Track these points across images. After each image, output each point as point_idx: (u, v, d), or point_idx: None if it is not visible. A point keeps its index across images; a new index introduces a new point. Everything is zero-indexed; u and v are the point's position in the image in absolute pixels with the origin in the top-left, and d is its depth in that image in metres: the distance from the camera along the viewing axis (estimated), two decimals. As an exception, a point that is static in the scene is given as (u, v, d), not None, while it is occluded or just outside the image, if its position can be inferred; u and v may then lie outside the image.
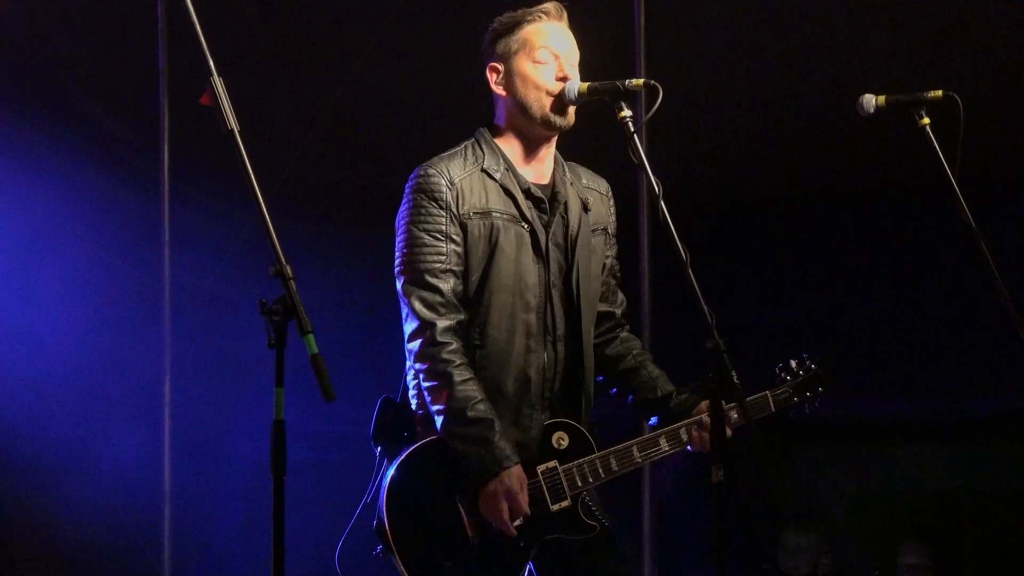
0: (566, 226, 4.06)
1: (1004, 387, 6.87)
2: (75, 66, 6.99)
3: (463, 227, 3.91)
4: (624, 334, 4.26)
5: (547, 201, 4.04)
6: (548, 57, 4.00)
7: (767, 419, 4.16)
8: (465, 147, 4.02)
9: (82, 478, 6.95)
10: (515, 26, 4.03)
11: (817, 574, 7.15)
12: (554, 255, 4.02)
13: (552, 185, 4.07)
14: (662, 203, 3.92)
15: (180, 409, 6.82)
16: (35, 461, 6.88)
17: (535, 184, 4.03)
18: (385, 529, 3.81)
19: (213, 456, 7.09)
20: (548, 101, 3.98)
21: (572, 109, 4.01)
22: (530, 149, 4.05)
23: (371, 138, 7.03)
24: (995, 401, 7.08)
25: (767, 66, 6.73)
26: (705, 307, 3.83)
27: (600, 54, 4.39)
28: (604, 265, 4.17)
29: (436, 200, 3.90)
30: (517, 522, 3.85)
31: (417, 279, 3.88)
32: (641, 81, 3.99)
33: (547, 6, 4.05)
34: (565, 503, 3.93)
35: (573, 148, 4.27)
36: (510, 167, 4.00)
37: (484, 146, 4.01)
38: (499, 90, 4.03)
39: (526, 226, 3.99)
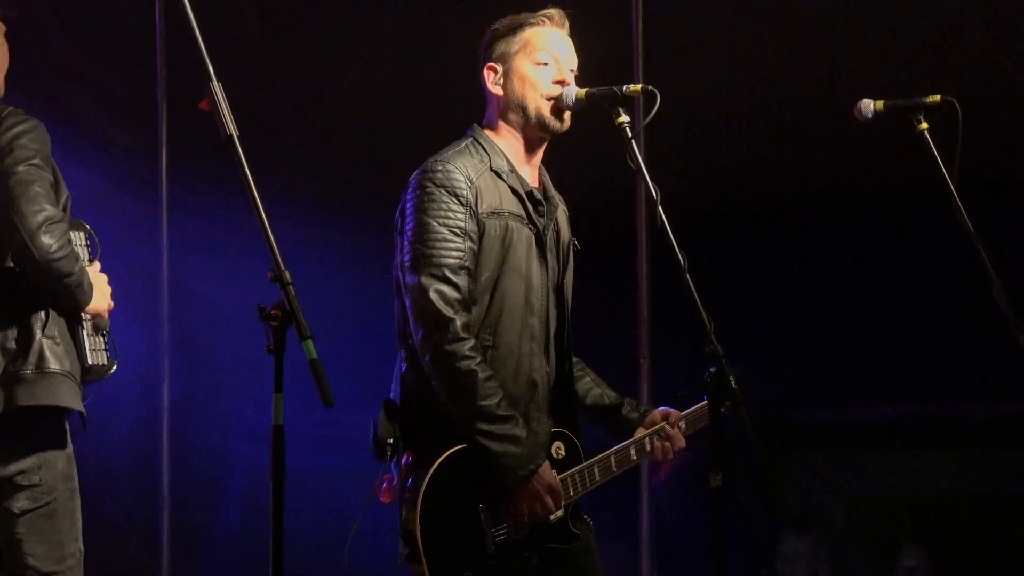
0: (557, 233, 4.07)
1: (1003, 391, 6.87)
2: (74, 71, 6.99)
3: (481, 227, 3.89)
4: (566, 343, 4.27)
5: (544, 205, 4.05)
6: (548, 59, 4.00)
7: (757, 399, 4.21)
8: (467, 145, 4.00)
9: (79, 480, 6.94)
10: (517, 28, 4.03)
11: (816, 580, 7.15)
12: (551, 260, 4.04)
13: (544, 189, 4.08)
14: (660, 208, 3.93)
15: (178, 412, 6.82)
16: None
17: (533, 188, 4.04)
18: (416, 540, 3.78)
19: (212, 460, 7.09)
20: (545, 104, 3.99)
21: (568, 114, 4.02)
22: (526, 150, 4.05)
23: (370, 143, 7.03)
24: (994, 405, 7.08)
25: (765, 71, 6.73)
26: (703, 312, 3.83)
27: (597, 59, 4.40)
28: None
29: (457, 196, 3.87)
30: (524, 532, 3.85)
31: (436, 273, 3.82)
32: (639, 86, 3.99)
33: (550, 11, 4.06)
34: (559, 513, 3.95)
35: (570, 153, 4.27)
36: (512, 168, 4.00)
37: (485, 146, 4.00)
38: (496, 90, 4.02)
39: (533, 229, 3.99)
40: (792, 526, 7.26)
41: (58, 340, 4.09)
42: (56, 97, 7.00)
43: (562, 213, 4.14)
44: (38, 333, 4.06)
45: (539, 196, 4.04)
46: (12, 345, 4.03)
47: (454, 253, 3.84)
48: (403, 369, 3.98)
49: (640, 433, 4.15)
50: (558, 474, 3.95)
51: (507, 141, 4.04)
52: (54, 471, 4.17)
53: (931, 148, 4.33)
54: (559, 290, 4.06)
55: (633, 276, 6.22)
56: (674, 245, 3.91)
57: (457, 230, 3.86)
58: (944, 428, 7.41)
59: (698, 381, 4.22)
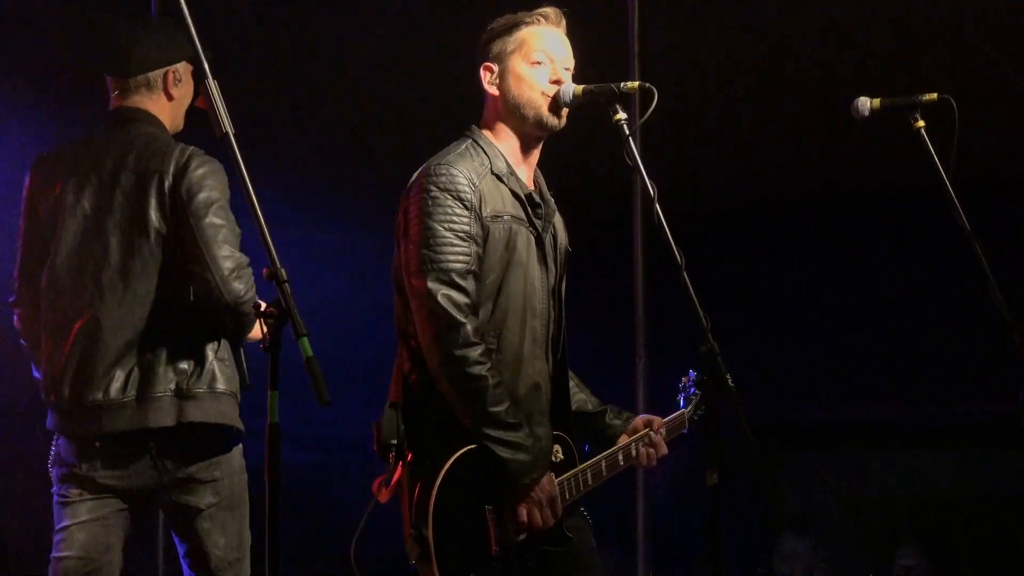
0: (554, 236, 4.07)
1: (999, 392, 6.87)
2: (69, 68, 6.99)
3: (485, 230, 3.88)
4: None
5: (542, 207, 4.04)
6: (543, 59, 3.99)
7: (755, 400, 4.25)
8: (467, 147, 3.97)
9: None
10: (513, 27, 4.01)
11: (812, 580, 7.16)
12: (550, 263, 4.03)
13: (540, 191, 4.07)
14: (657, 206, 3.93)
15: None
16: (30, 461, 6.88)
17: (531, 191, 4.04)
18: (428, 540, 3.77)
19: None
20: (542, 102, 3.98)
21: (565, 112, 4.01)
22: (523, 150, 4.04)
23: (367, 141, 7.03)
24: (990, 406, 7.09)
25: (761, 69, 6.74)
26: (700, 310, 3.83)
27: (594, 57, 4.40)
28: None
29: (462, 200, 3.85)
30: (523, 536, 3.85)
31: (444, 278, 3.80)
32: (636, 84, 3.99)
33: (546, 10, 4.04)
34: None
35: (567, 150, 4.27)
36: (512, 170, 4.00)
37: (485, 147, 3.99)
38: (492, 90, 4.01)
39: (533, 231, 3.99)
40: (791, 526, 7.27)
41: (227, 362, 4.33)
42: (52, 95, 7.00)
43: (558, 217, 4.13)
44: (211, 355, 4.28)
45: (537, 198, 4.03)
46: (186, 366, 4.25)
47: (460, 258, 3.83)
48: (405, 368, 3.97)
49: (624, 440, 4.16)
50: (556, 477, 3.95)
51: (505, 141, 4.02)
52: (231, 465, 4.36)
53: (928, 146, 4.33)
54: (556, 293, 4.06)
55: (629, 274, 6.21)
56: (671, 243, 3.91)
57: (462, 234, 3.84)
58: (942, 429, 7.42)
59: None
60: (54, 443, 4.43)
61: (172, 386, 4.23)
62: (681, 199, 4.83)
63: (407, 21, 6.79)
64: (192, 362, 4.26)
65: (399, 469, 3.88)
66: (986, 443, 7.30)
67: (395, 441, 3.89)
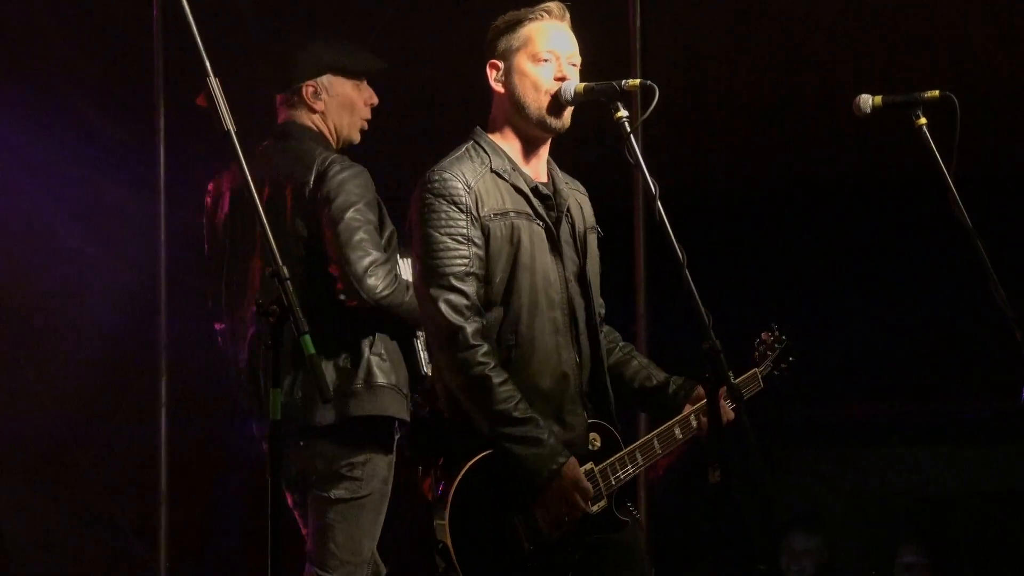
0: (572, 224, 4.06)
1: (1001, 388, 6.86)
2: (70, 65, 6.98)
3: (485, 230, 3.89)
4: (606, 328, 4.26)
5: (552, 198, 4.04)
6: (548, 56, 3.99)
7: (757, 396, 4.24)
8: (467, 149, 3.99)
9: (77, 477, 6.95)
10: (517, 24, 4.01)
11: (817, 576, 7.15)
12: (567, 252, 4.03)
13: (552, 183, 4.07)
14: (659, 203, 3.93)
15: (176, 408, 6.81)
16: (29, 459, 6.88)
17: (539, 183, 4.03)
18: (449, 551, 3.78)
19: (210, 456, 7.08)
20: (545, 101, 3.98)
21: (568, 112, 4.01)
22: (529, 148, 4.04)
23: (368, 139, 7.02)
24: (992, 402, 7.08)
25: (763, 66, 6.73)
26: (701, 307, 3.83)
27: (595, 54, 4.39)
28: (598, 265, 4.18)
29: (456, 203, 3.87)
30: (562, 529, 3.84)
31: (442, 283, 3.83)
32: (637, 81, 3.99)
33: (550, 5, 4.04)
34: (603, 503, 3.93)
35: (567, 147, 4.27)
36: (515, 167, 3.99)
37: (486, 147, 3.99)
38: (497, 87, 4.02)
39: (541, 223, 3.98)
40: (801, 523, 7.25)
41: (384, 356, 4.56)
42: (53, 92, 6.99)
43: (575, 203, 4.11)
44: (366, 351, 4.53)
45: (545, 190, 4.02)
46: (344, 364, 4.51)
47: (458, 261, 3.85)
48: (433, 377, 4.00)
49: (687, 411, 4.11)
50: (596, 464, 3.93)
51: (509, 139, 4.03)
52: (374, 470, 4.55)
53: (930, 144, 4.33)
54: (582, 279, 4.05)
55: (631, 271, 6.21)
56: (672, 240, 3.91)
57: (459, 237, 3.86)
58: (943, 425, 7.41)
59: (696, 377, 4.24)
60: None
61: (332, 384, 4.44)
62: (682, 196, 4.82)
63: (408, 15, 6.78)
64: (349, 359, 4.50)
65: (430, 476, 3.90)
66: (988, 440, 7.30)
67: (421, 452, 3.93)
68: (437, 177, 3.90)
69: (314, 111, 4.79)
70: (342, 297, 4.49)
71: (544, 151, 4.08)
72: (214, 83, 3.21)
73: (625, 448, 4.01)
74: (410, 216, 3.95)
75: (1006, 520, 7.23)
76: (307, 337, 3.09)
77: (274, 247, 3.16)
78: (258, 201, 3.23)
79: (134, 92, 6.95)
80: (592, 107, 4.00)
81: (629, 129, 3.88)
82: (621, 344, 4.26)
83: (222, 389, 6.92)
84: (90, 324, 6.94)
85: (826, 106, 6.48)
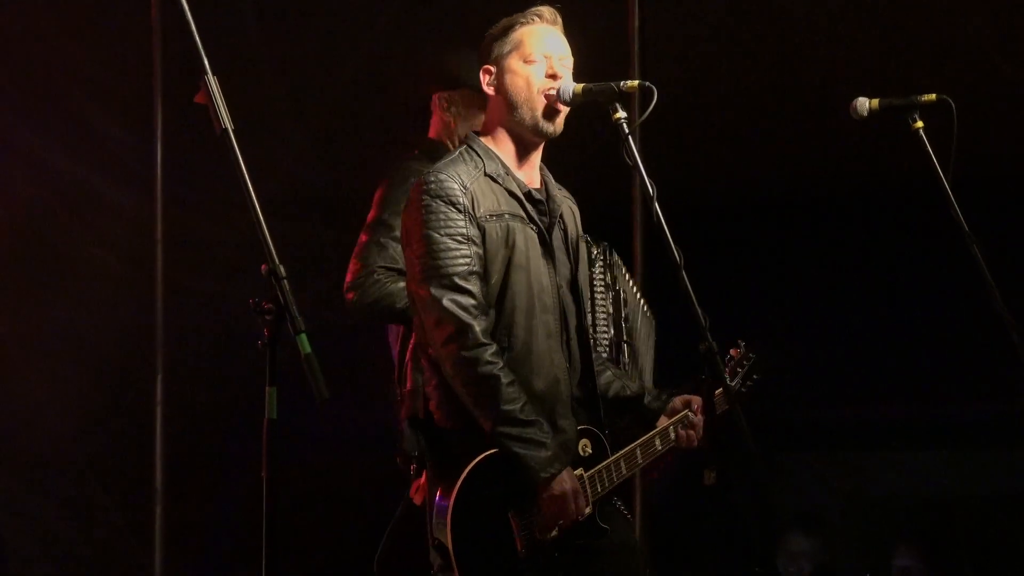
0: (564, 230, 4.07)
1: (998, 391, 6.87)
2: (68, 62, 6.98)
3: (481, 230, 3.89)
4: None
5: (545, 204, 4.04)
6: (539, 58, 4.00)
7: (755, 397, 4.25)
8: (461, 153, 4.01)
9: (72, 476, 6.94)
10: (509, 29, 4.03)
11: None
12: (559, 257, 4.03)
13: (545, 189, 4.08)
14: (656, 205, 3.93)
15: (172, 408, 6.81)
16: (25, 458, 6.87)
17: (532, 188, 4.04)
18: (448, 550, 3.78)
19: (206, 455, 7.08)
20: (539, 102, 3.98)
21: (561, 118, 4.01)
22: (522, 153, 4.05)
23: (367, 138, 7.02)
24: (989, 405, 7.09)
25: (762, 68, 6.73)
26: (699, 309, 3.83)
27: (594, 55, 4.39)
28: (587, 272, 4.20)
29: (454, 204, 3.87)
30: (554, 533, 3.85)
31: (447, 283, 3.83)
32: (636, 83, 3.99)
33: (540, 9, 4.05)
34: (588, 510, 3.94)
35: (565, 148, 4.26)
36: (509, 172, 4.00)
37: (480, 151, 4.00)
38: (490, 91, 4.02)
39: (534, 228, 3.98)
40: (799, 524, 7.26)
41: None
42: (51, 90, 6.99)
43: (568, 210, 4.13)
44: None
45: (538, 196, 4.03)
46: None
47: (460, 260, 3.85)
48: (424, 378, 3.98)
49: (663, 422, 4.13)
50: (586, 471, 3.94)
51: (502, 144, 4.03)
52: None
53: (926, 147, 4.34)
54: (574, 286, 4.06)
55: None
56: (670, 242, 3.91)
57: (460, 237, 3.86)
58: (940, 428, 7.42)
59: (682, 383, 4.24)
60: None
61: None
62: (680, 198, 4.82)
63: (407, 13, 6.78)
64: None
65: (423, 478, 3.90)
66: (985, 443, 7.30)
67: (416, 453, 3.92)
68: (433, 179, 3.90)
69: (442, 122, 4.83)
70: None
71: (536, 157, 4.08)
72: (212, 81, 3.20)
73: (611, 456, 4.01)
74: (405, 221, 3.95)
75: (1003, 523, 7.23)
76: (303, 336, 3.08)
77: (271, 245, 3.15)
78: (255, 200, 3.22)
79: (132, 90, 6.95)
80: (590, 108, 4.00)
81: (627, 130, 3.88)
82: (594, 354, 4.23)
83: (218, 387, 6.96)
84: (86, 323, 6.94)
85: (824, 108, 6.48)
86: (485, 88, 4.04)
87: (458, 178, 3.90)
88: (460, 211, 3.87)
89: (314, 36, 7.01)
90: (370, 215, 4.69)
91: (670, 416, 4.14)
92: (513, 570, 3.82)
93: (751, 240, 7.32)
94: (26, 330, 6.92)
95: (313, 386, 3.05)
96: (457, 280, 3.83)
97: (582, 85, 3.97)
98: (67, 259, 6.99)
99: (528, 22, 4.02)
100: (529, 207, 3.99)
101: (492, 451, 3.83)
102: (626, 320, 4.76)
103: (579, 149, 4.75)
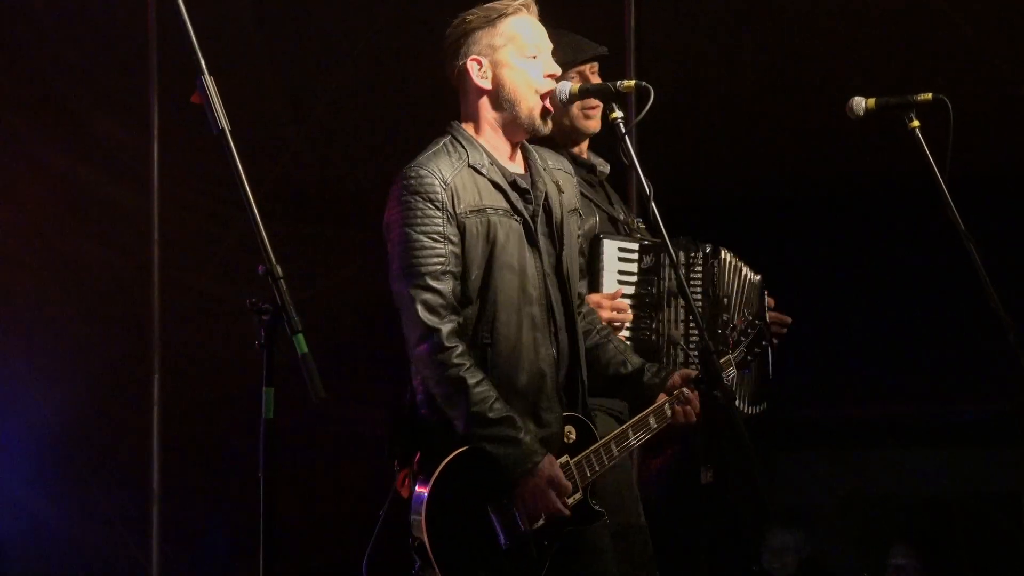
0: (549, 213, 4.04)
1: (993, 390, 6.88)
2: (65, 62, 6.98)
3: (461, 227, 3.87)
4: (585, 309, 4.24)
5: (530, 191, 4.02)
6: (535, 52, 3.98)
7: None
8: (444, 144, 3.96)
9: (69, 475, 6.94)
10: (496, 18, 3.97)
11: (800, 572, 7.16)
12: (544, 244, 4.01)
13: (530, 174, 4.05)
14: (653, 204, 3.93)
15: (169, 407, 6.81)
16: (23, 457, 6.87)
17: (518, 175, 4.02)
18: (426, 548, 3.78)
19: (203, 454, 7.08)
20: (537, 103, 3.96)
21: (550, 117, 4.00)
22: (508, 143, 4.02)
23: (363, 137, 7.02)
24: (984, 404, 7.09)
25: (759, 67, 6.73)
26: (695, 308, 3.83)
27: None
28: (578, 246, 4.16)
29: (432, 201, 3.85)
30: (540, 522, 3.85)
31: (418, 282, 3.82)
32: (633, 82, 3.99)
33: None
34: (578, 495, 3.93)
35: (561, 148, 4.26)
36: (493, 161, 3.98)
37: (464, 142, 3.97)
38: (483, 84, 3.97)
39: (518, 218, 3.96)
40: (780, 520, 7.26)
41: None
42: (48, 89, 6.99)
43: (553, 188, 4.07)
44: None
45: (524, 184, 4.00)
46: None
47: (434, 259, 3.84)
48: (411, 374, 3.97)
49: (662, 399, 4.10)
50: (571, 457, 3.94)
51: (489, 135, 4.00)
52: None
53: (922, 146, 4.34)
54: (559, 271, 4.03)
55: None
56: (666, 241, 3.92)
57: (435, 235, 3.85)
58: (936, 427, 7.42)
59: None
60: None
61: None
62: (676, 197, 4.82)
63: (404, 13, 6.78)
64: None
65: (405, 473, 3.90)
66: (981, 442, 7.31)
67: (399, 450, 3.91)
68: (413, 174, 3.88)
69: None
70: None
71: (521, 143, 4.06)
72: (208, 82, 3.20)
73: (600, 440, 4.01)
74: (386, 214, 3.94)
75: (998, 522, 7.24)
76: (300, 336, 3.08)
77: (268, 245, 3.15)
78: (252, 200, 3.22)
79: (129, 89, 6.95)
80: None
81: (624, 130, 3.88)
82: (599, 327, 4.23)
83: (214, 386, 6.96)
84: (83, 321, 6.94)
85: (822, 107, 6.48)
86: (475, 80, 3.99)
87: (438, 173, 3.88)
88: (438, 208, 3.85)
89: (311, 35, 7.01)
90: None
91: (669, 393, 4.10)
92: (497, 563, 3.82)
93: (748, 239, 7.30)
94: (22, 328, 6.92)
95: (309, 386, 3.05)
96: (429, 280, 3.82)
97: (579, 85, 3.98)
98: (64, 258, 6.99)
99: (516, 12, 3.98)
100: (514, 197, 3.96)
101: (464, 448, 3.84)
102: (727, 327, 4.65)
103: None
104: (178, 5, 3.25)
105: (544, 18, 4.06)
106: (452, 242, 3.86)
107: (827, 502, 7.76)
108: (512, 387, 3.88)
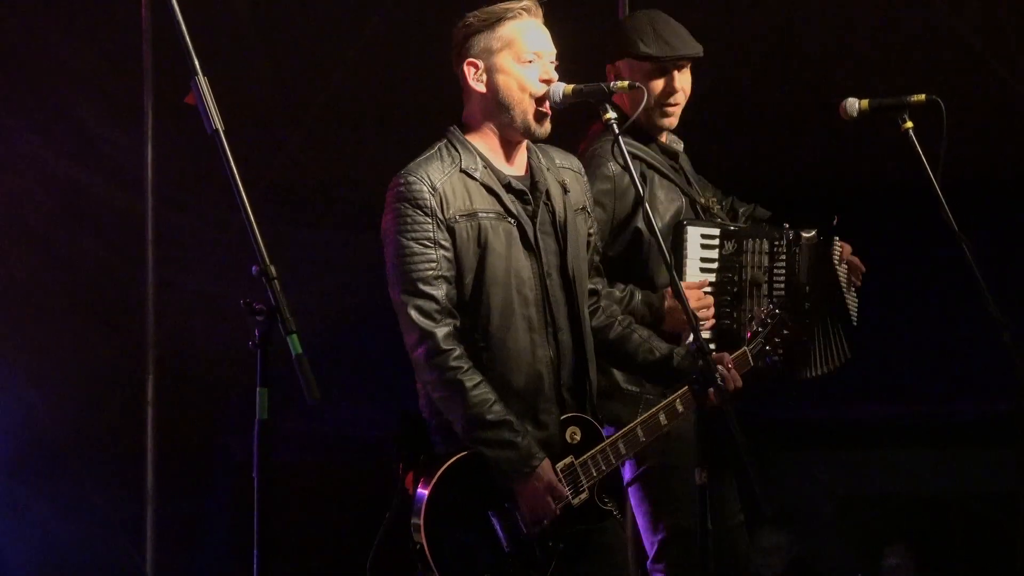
0: (552, 213, 4.03)
1: (988, 390, 6.88)
2: (59, 62, 6.97)
3: (451, 231, 3.88)
4: (604, 303, 4.22)
5: (529, 192, 4.02)
6: (533, 57, 3.97)
7: (748, 375, 4.15)
8: (439, 149, 3.97)
9: (64, 474, 6.94)
10: (496, 22, 3.97)
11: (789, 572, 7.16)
12: (545, 245, 4.00)
13: (531, 175, 4.05)
14: (647, 205, 3.94)
15: (164, 408, 6.81)
16: (16, 456, 6.87)
17: (514, 177, 4.02)
18: (425, 552, 3.80)
19: (197, 455, 7.07)
20: (531, 106, 3.95)
21: (549, 120, 3.98)
22: (506, 147, 4.02)
23: (358, 138, 7.02)
24: (979, 404, 7.09)
25: (752, 67, 6.73)
26: (690, 308, 3.83)
27: (584, 55, 4.39)
28: (588, 244, 4.15)
29: (420, 207, 3.86)
30: (543, 524, 3.85)
31: (411, 288, 3.84)
32: (626, 83, 3.99)
33: (527, 3, 4.01)
34: (584, 495, 3.93)
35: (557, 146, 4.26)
36: (488, 164, 3.97)
37: (458, 146, 3.97)
38: (479, 87, 3.98)
39: (513, 221, 3.96)
40: (769, 520, 7.26)
41: None
42: (42, 89, 6.98)
43: (557, 188, 4.06)
44: None
45: (521, 185, 4.00)
46: None
47: (426, 265, 3.86)
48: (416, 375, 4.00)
49: (675, 395, 4.05)
50: (576, 458, 3.94)
51: (486, 138, 4.00)
52: None
53: (916, 147, 4.35)
54: (563, 270, 4.02)
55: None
56: (660, 242, 3.91)
57: (426, 241, 3.87)
58: (931, 427, 7.42)
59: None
60: None
61: None
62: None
63: (398, 13, 6.78)
64: None
65: (411, 475, 3.90)
66: (974, 442, 7.30)
67: (402, 452, 3.92)
68: (402, 182, 3.90)
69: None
70: None
71: (522, 144, 4.05)
72: (202, 82, 3.20)
73: (607, 439, 4.00)
74: (382, 221, 3.96)
75: (992, 521, 7.24)
76: (294, 336, 3.08)
77: (262, 246, 3.15)
78: (246, 201, 3.21)
79: (123, 91, 6.95)
80: (579, 108, 4.00)
81: (618, 131, 3.88)
82: (620, 318, 4.21)
83: (209, 387, 6.96)
84: (78, 321, 6.93)
85: (818, 107, 6.48)
86: (471, 83, 4.00)
87: (427, 179, 3.89)
88: (427, 214, 3.86)
89: (306, 35, 7.00)
90: None
91: None
92: (499, 567, 3.82)
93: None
94: (16, 327, 6.91)
95: (304, 386, 3.05)
96: (421, 285, 3.84)
97: (572, 86, 3.96)
98: (58, 258, 6.98)
99: (516, 16, 3.98)
100: (508, 199, 3.96)
101: (465, 452, 3.85)
102: (807, 315, 4.57)
103: (568, 147, 4.75)
104: (171, 4, 3.25)
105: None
106: (443, 247, 3.87)
107: (824, 502, 7.75)
108: (509, 389, 3.89)
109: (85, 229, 7.00)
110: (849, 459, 7.72)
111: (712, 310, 4.52)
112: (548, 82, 3.96)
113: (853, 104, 4.48)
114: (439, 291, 3.85)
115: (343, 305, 6.90)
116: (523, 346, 3.93)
